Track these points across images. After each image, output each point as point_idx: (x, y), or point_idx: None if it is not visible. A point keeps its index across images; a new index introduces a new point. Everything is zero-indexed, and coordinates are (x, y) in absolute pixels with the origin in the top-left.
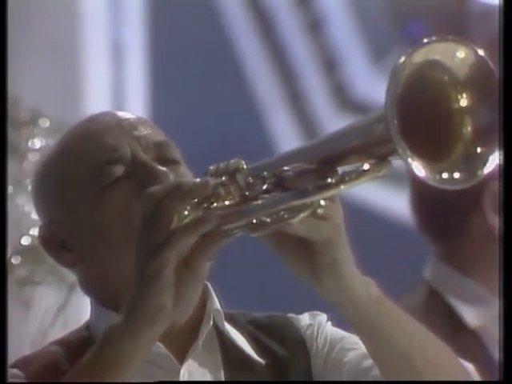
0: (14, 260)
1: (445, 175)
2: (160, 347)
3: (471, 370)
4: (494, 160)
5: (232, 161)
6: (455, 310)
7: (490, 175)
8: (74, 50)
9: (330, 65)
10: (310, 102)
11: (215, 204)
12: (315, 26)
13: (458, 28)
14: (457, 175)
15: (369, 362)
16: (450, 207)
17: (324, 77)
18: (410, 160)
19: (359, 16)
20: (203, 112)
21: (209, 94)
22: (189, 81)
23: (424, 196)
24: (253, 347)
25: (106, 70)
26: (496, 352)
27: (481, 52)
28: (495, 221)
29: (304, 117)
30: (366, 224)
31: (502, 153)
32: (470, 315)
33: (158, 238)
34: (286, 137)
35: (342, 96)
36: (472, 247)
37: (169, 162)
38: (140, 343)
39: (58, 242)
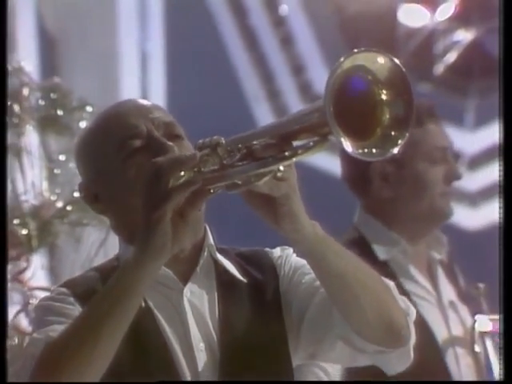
0: (69, 208)
1: (365, 150)
2: (168, 272)
3: (392, 287)
4: (403, 141)
5: (214, 137)
6: (371, 246)
7: None
8: (112, 57)
9: (299, 69)
10: (283, 96)
11: (203, 169)
12: (288, 40)
13: (390, 44)
14: (374, 151)
15: (319, 282)
16: (358, 174)
17: (294, 78)
18: (341, 139)
19: (320, 34)
20: (205, 102)
21: (210, 90)
22: (195, 80)
23: (346, 166)
24: (238, 271)
25: (135, 71)
26: (404, 279)
27: (395, 60)
28: (382, 186)
29: (278, 107)
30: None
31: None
32: (381, 251)
33: (158, 196)
34: (266, 122)
35: (307, 93)
36: (376, 203)
37: (174, 137)
38: (146, 273)
39: (92, 195)
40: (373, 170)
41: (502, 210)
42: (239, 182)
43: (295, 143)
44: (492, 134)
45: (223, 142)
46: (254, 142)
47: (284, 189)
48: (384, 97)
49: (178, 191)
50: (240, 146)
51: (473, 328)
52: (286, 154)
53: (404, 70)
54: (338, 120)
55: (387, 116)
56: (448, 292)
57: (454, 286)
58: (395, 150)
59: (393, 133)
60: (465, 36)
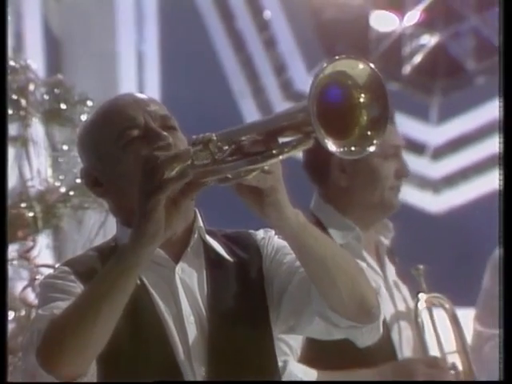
0: (71, 193)
1: (345, 148)
2: (162, 253)
3: (364, 268)
4: (379, 141)
5: (207, 134)
6: (327, 231)
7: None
8: (111, 56)
9: (281, 69)
10: (266, 93)
11: (196, 162)
12: (270, 42)
13: (363, 46)
14: (353, 149)
15: (299, 262)
16: (318, 164)
17: (276, 77)
18: (324, 138)
19: (300, 37)
20: (196, 97)
21: (200, 86)
22: (188, 78)
23: (307, 155)
24: (225, 251)
25: (132, 70)
26: (361, 263)
27: (373, 66)
28: (340, 176)
29: (262, 103)
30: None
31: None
32: (338, 236)
33: (153, 186)
34: (251, 116)
35: (288, 90)
36: (333, 191)
37: (169, 128)
38: (141, 257)
39: (92, 179)
40: (332, 161)
41: (501, 182)
42: (230, 176)
43: (280, 140)
44: (454, 127)
45: (215, 138)
46: (243, 138)
47: (270, 181)
48: (362, 100)
49: (170, 183)
50: (230, 141)
51: (416, 305)
52: (274, 152)
53: (380, 74)
54: (321, 120)
55: (365, 117)
56: (392, 272)
57: (395, 267)
58: (372, 149)
59: (369, 133)
60: (430, 40)
